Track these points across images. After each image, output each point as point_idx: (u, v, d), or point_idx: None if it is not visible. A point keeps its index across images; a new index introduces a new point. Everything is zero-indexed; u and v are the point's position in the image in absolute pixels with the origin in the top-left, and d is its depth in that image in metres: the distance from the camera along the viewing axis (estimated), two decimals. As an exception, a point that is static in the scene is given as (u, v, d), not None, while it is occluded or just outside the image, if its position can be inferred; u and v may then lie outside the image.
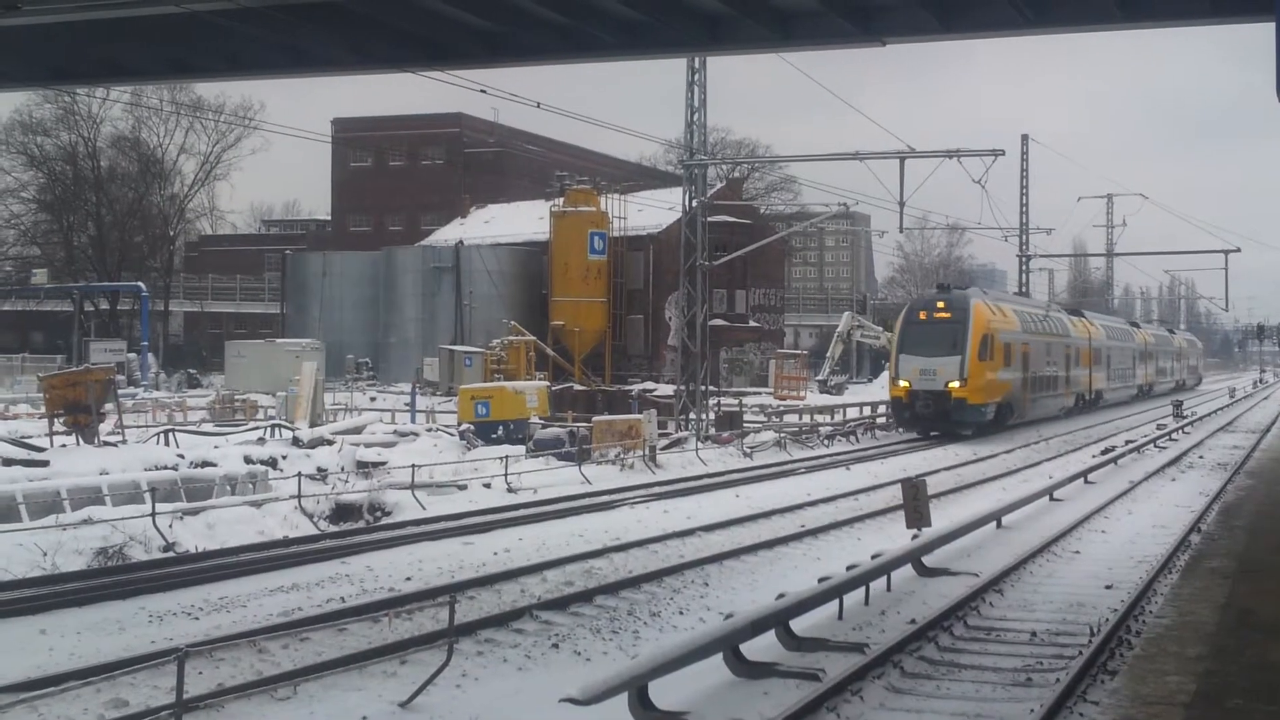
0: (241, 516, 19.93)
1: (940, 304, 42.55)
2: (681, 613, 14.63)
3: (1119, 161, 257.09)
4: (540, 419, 33.18)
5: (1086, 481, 27.52)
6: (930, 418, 41.16)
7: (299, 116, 52.61)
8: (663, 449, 31.42)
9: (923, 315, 42.48)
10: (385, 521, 21.57)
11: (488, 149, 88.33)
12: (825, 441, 38.79)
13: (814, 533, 20.61)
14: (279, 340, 62.89)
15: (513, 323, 58.50)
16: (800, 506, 23.72)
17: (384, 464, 25.68)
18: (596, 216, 63.49)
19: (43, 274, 74.55)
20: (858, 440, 40.66)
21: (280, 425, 31.54)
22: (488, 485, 25.36)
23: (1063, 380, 52.59)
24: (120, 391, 31.55)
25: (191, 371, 68.31)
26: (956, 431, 40.90)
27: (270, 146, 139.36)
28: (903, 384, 41.32)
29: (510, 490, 25.12)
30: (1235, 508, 22.97)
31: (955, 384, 40.46)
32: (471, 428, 31.50)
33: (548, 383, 44.62)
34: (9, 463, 20.89)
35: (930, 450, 37.85)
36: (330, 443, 27.39)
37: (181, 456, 22.67)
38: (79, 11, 15.98)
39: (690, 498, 25.05)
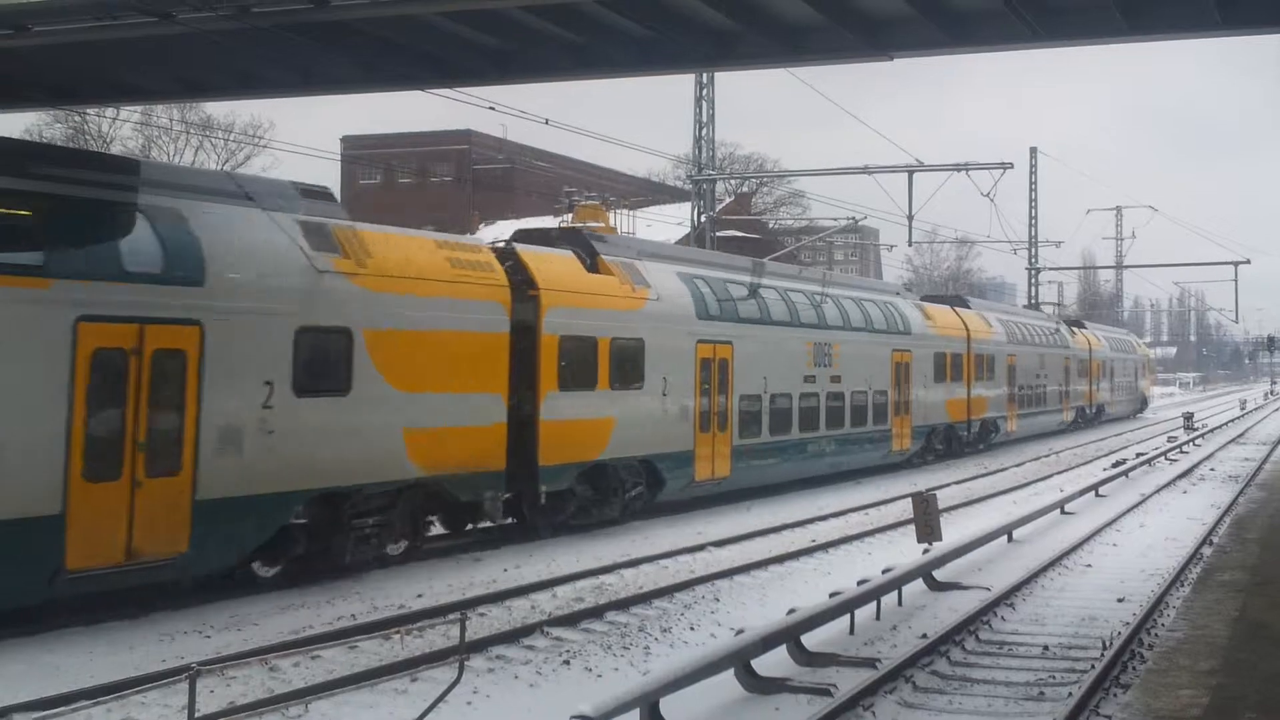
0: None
1: None
2: (692, 628, 14.62)
3: (1128, 174, 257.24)
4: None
5: (1097, 495, 27.52)
6: None
7: (308, 134, 52.98)
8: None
9: None
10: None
11: (497, 165, 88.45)
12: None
13: (824, 547, 20.59)
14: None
15: (522, 339, 58.46)
16: (811, 521, 23.69)
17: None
18: (605, 232, 63.54)
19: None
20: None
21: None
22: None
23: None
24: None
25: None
26: None
27: (280, 165, 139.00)
28: None
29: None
30: (1247, 520, 22.88)
31: None
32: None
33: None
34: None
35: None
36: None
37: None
38: (89, 32, 16.03)
39: (699, 513, 25.01)
